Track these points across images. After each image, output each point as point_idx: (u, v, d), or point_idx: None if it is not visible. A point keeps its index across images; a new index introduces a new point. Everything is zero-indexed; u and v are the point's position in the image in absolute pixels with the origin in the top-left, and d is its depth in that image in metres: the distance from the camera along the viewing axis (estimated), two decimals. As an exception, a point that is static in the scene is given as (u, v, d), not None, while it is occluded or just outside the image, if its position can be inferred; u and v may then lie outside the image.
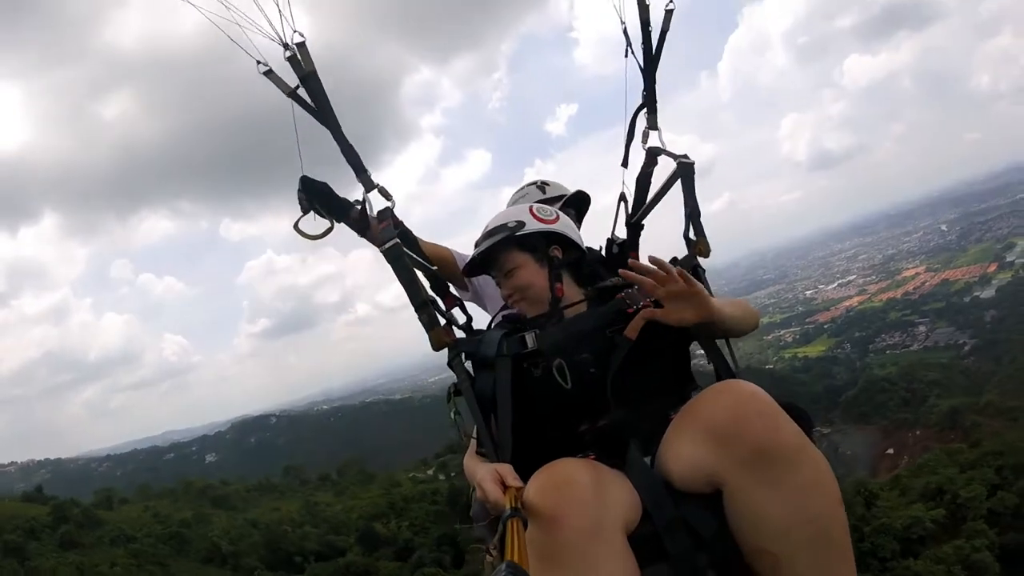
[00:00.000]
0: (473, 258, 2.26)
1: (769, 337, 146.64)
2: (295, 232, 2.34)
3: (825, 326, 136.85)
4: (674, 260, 2.22)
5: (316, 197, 2.32)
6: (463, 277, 2.78)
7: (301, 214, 2.31)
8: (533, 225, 2.22)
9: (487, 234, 2.24)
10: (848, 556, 1.58)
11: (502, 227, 2.22)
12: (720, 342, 2.13)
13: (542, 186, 3.23)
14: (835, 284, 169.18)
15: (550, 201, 3.05)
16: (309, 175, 2.33)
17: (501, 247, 2.20)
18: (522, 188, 3.31)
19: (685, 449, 1.72)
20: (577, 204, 3.16)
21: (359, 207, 2.34)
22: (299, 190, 2.30)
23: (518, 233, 2.19)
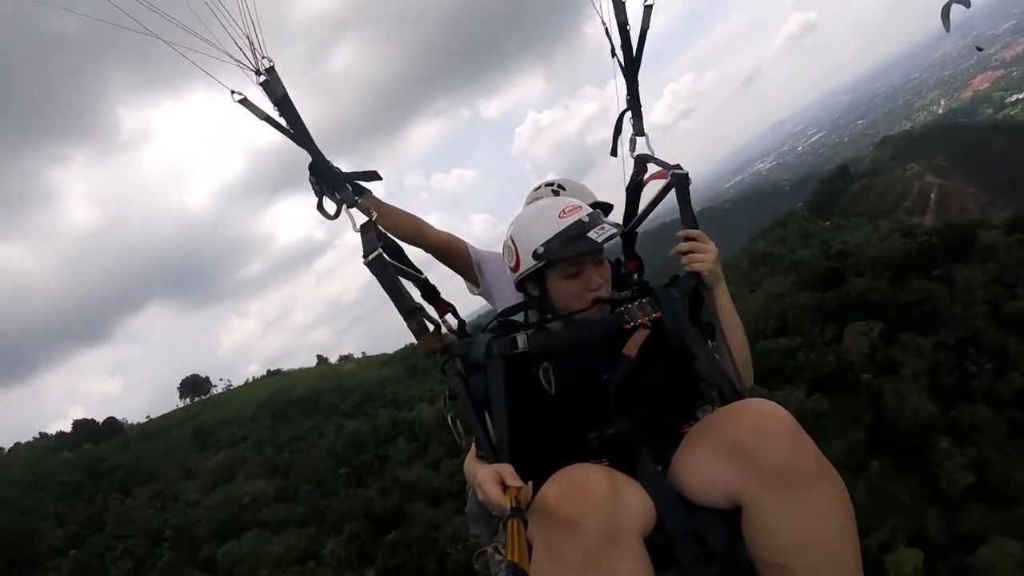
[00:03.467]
0: (595, 242, 2.02)
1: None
2: (318, 212, 2.37)
3: None
4: (675, 278, 2.21)
5: (325, 181, 2.34)
6: (476, 272, 2.95)
7: (316, 198, 2.35)
8: None
9: (595, 221, 2.09)
10: (858, 573, 1.62)
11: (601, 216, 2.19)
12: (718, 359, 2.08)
13: (557, 191, 3.02)
14: None
15: None
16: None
17: None
18: (538, 189, 3.09)
19: (705, 464, 1.76)
20: None
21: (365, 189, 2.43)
22: (309, 176, 2.34)
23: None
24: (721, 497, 1.71)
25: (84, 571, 38.56)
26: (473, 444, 2.07)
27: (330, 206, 2.33)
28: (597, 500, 1.57)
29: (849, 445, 37.11)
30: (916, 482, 36.29)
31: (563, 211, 2.11)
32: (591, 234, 2.03)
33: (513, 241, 2.18)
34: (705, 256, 2.16)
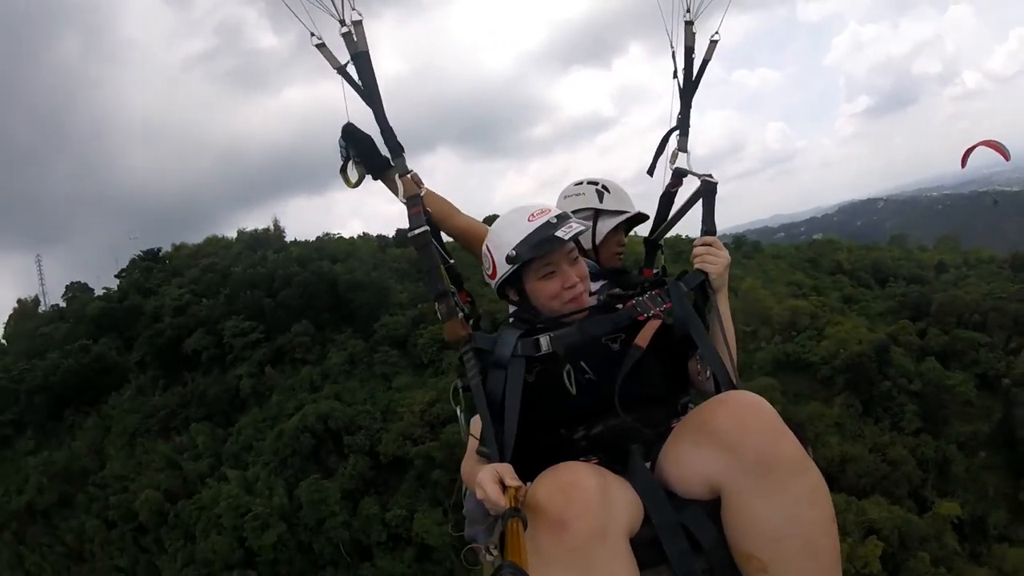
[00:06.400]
0: (563, 240, 2.06)
1: None
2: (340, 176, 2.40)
3: None
4: (683, 273, 2.29)
5: (355, 148, 2.38)
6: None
7: (342, 161, 2.40)
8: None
9: (563, 221, 2.12)
10: (836, 571, 1.63)
11: (567, 215, 2.19)
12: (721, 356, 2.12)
13: (601, 192, 3.02)
14: None
15: (606, 214, 2.98)
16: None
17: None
18: (580, 184, 3.10)
19: (687, 455, 1.80)
20: (632, 225, 3.00)
21: (394, 172, 2.37)
22: (340, 138, 2.38)
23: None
24: (702, 487, 1.75)
25: (425, 319, 52.36)
26: (471, 444, 2.14)
27: (353, 174, 2.38)
28: (585, 499, 1.57)
29: (971, 432, 43.55)
30: (1009, 484, 41.90)
31: (532, 215, 2.14)
32: (559, 232, 2.05)
33: (488, 249, 2.22)
34: (717, 260, 2.27)
